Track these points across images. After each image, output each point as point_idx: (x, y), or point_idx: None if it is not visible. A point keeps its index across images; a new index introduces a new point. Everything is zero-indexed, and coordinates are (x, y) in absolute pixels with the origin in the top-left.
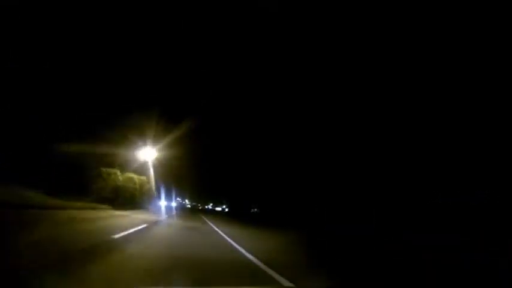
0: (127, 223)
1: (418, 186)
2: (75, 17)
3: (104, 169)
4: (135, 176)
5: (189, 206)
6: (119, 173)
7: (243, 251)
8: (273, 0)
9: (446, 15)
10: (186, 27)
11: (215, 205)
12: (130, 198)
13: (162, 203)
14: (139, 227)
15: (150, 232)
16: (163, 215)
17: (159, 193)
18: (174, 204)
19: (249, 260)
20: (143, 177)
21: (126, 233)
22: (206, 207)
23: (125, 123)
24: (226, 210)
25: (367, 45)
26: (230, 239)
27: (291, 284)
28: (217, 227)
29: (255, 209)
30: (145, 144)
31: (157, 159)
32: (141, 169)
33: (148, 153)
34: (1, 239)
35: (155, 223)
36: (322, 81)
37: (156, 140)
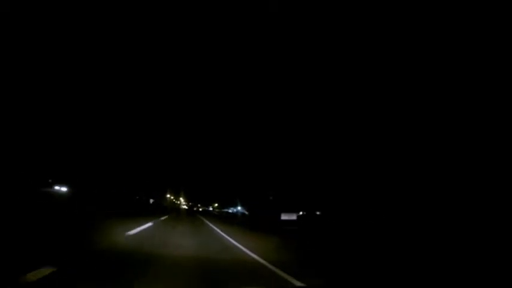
0: None
1: None
2: None
3: None
4: None
5: (185, 206)
6: None
7: None
8: (273, 0)
9: (446, 15)
10: (186, 27)
11: (223, 207)
12: None
13: None
14: None
15: None
16: None
17: None
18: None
19: None
20: None
21: None
22: (208, 209)
23: None
24: (239, 213)
25: (367, 45)
26: None
27: (302, 284)
28: None
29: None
30: None
31: None
32: None
33: None
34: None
35: None
36: (322, 82)
37: None
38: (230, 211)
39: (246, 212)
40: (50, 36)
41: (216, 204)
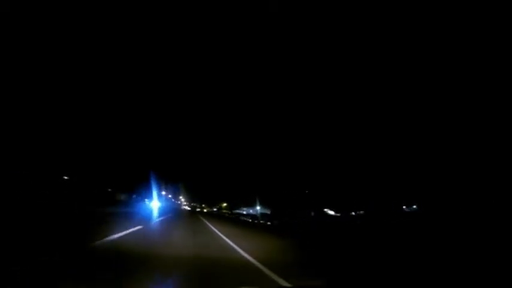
0: None
1: None
2: None
3: None
4: None
5: (186, 207)
6: None
7: None
8: (272, 0)
9: (446, 15)
10: (186, 27)
11: (233, 207)
12: None
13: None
14: None
15: None
16: None
17: None
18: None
19: None
20: None
21: None
22: (213, 210)
23: None
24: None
25: (367, 44)
26: None
27: (288, 284)
28: None
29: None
30: None
31: None
32: None
33: None
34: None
35: None
36: (322, 82)
37: None
38: (244, 212)
39: (268, 212)
40: (50, 36)
41: (225, 204)
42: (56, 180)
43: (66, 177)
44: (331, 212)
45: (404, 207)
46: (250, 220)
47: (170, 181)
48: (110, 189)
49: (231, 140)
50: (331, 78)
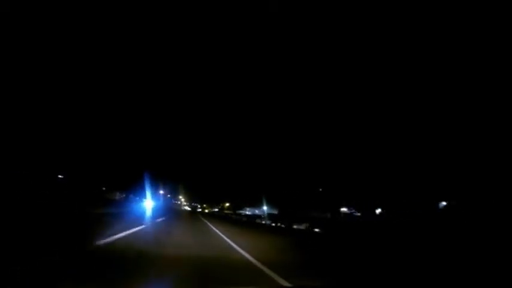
0: None
1: None
2: None
3: None
4: None
5: (186, 207)
6: None
7: None
8: (272, 0)
9: (446, 15)
10: (184, 27)
11: (236, 207)
12: None
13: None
14: None
15: None
16: None
17: None
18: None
19: None
20: None
21: None
22: (214, 210)
23: None
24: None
25: (367, 44)
26: None
27: (289, 284)
28: None
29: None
30: None
31: None
32: None
33: None
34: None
35: None
36: (322, 82)
37: None
38: (248, 213)
39: (275, 213)
40: (48, 36)
41: (227, 204)
42: (52, 179)
43: (60, 176)
44: (352, 211)
45: (444, 203)
46: (273, 224)
47: (170, 180)
48: (104, 188)
49: (234, 135)
50: (339, 69)
